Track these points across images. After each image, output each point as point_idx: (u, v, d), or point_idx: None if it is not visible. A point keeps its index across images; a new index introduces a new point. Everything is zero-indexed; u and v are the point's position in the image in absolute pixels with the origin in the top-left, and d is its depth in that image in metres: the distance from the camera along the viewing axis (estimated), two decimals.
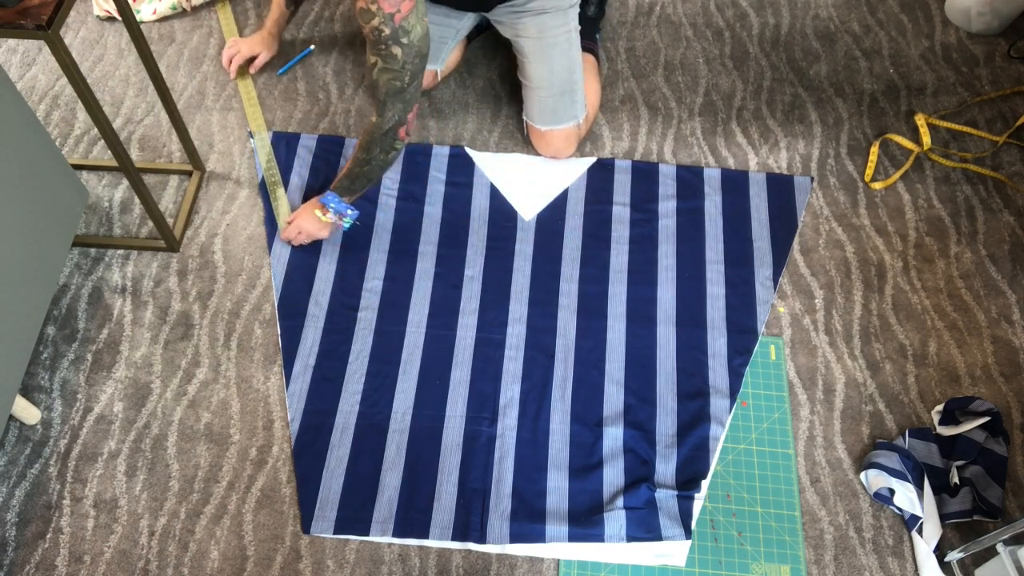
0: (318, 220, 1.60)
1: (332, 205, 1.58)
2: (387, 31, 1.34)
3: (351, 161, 1.56)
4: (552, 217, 1.70)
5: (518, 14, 1.67)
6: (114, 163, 1.77)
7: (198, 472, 1.42)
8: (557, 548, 1.34)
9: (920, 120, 1.83)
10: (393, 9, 1.32)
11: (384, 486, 1.39)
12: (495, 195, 1.73)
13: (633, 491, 1.37)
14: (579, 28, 1.70)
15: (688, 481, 1.39)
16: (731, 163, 1.79)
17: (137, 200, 1.74)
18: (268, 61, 1.92)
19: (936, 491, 1.38)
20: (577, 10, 1.69)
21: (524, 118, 1.77)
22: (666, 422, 1.46)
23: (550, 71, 1.67)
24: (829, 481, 1.41)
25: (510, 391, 1.49)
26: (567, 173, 1.77)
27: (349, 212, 1.59)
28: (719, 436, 1.44)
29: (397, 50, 1.36)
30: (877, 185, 1.75)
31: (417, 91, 1.45)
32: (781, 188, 1.75)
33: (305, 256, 1.64)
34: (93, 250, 1.67)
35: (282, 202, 1.72)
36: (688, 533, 1.35)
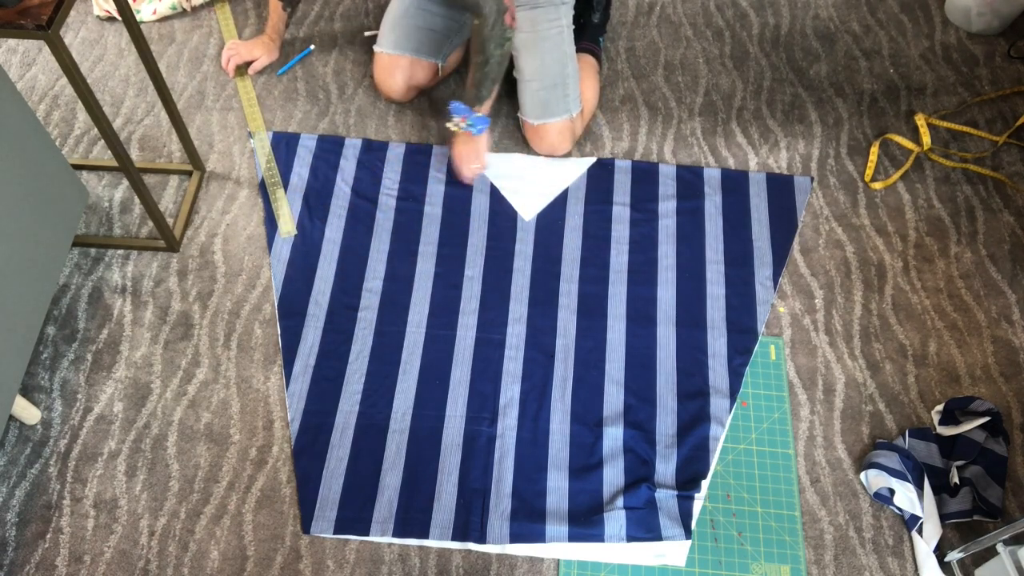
0: (461, 135, 1.67)
1: (454, 110, 1.63)
2: None
3: (471, 70, 1.59)
4: (552, 217, 1.70)
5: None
6: (114, 163, 1.77)
7: (198, 472, 1.42)
8: (557, 548, 1.34)
9: (920, 120, 1.83)
10: None
11: (384, 486, 1.39)
12: (495, 195, 1.73)
13: (633, 491, 1.37)
14: (572, 26, 1.72)
15: (688, 481, 1.39)
16: (731, 163, 1.79)
17: (137, 200, 1.74)
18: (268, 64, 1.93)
19: (936, 491, 1.38)
20: (571, 8, 1.71)
21: (519, 115, 1.78)
22: (666, 422, 1.46)
23: (540, 63, 1.69)
24: (829, 481, 1.41)
25: (510, 391, 1.49)
26: (567, 173, 1.77)
27: (474, 115, 1.63)
28: (719, 436, 1.44)
29: None
30: (877, 185, 1.75)
31: None
32: (781, 188, 1.75)
33: (305, 256, 1.65)
34: (93, 250, 1.67)
35: (282, 203, 1.72)
36: (688, 533, 1.35)
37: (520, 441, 1.44)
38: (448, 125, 1.67)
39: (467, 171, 1.70)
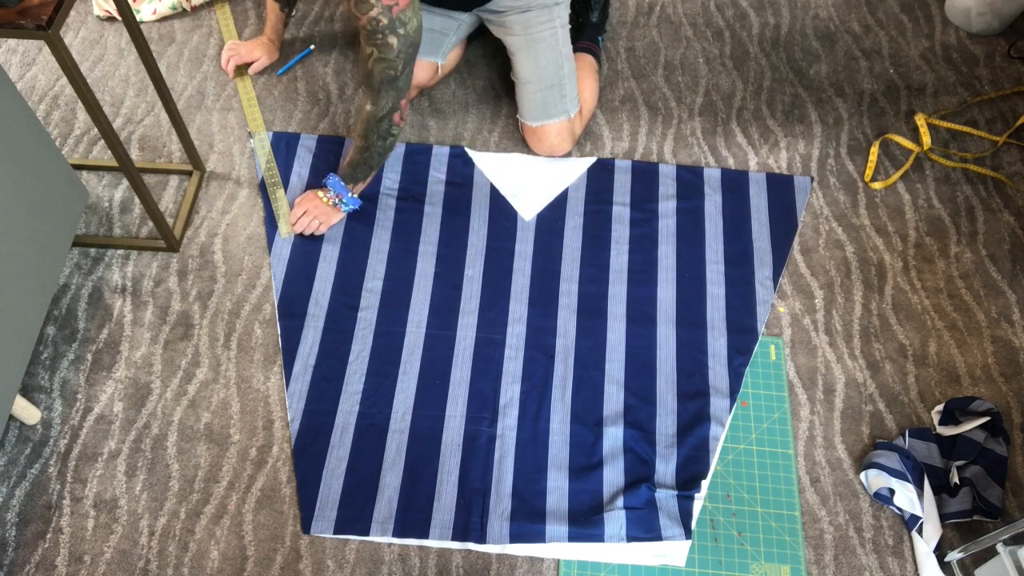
0: (321, 201, 1.65)
1: (331, 185, 1.62)
2: (384, 21, 1.39)
3: (351, 151, 1.60)
4: (552, 217, 1.70)
5: (500, 13, 1.69)
6: (114, 163, 1.77)
7: (198, 472, 1.42)
8: (557, 548, 1.34)
9: (920, 120, 1.83)
10: (391, 1, 1.37)
11: (384, 486, 1.39)
12: (495, 195, 1.73)
13: (633, 491, 1.37)
14: (568, 26, 1.72)
15: (688, 481, 1.39)
16: (731, 163, 1.79)
17: (137, 200, 1.74)
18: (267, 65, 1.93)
19: (936, 491, 1.38)
20: (566, 8, 1.70)
21: (518, 118, 1.78)
22: (666, 422, 1.46)
23: (536, 65, 1.69)
24: (829, 481, 1.41)
25: (510, 391, 1.49)
26: (567, 173, 1.77)
27: (348, 196, 1.63)
28: (719, 436, 1.44)
29: (393, 40, 1.41)
30: (877, 185, 1.75)
31: (409, 79, 1.50)
32: (781, 188, 1.75)
33: (305, 256, 1.65)
34: (93, 250, 1.67)
35: (282, 203, 1.72)
36: (688, 533, 1.35)
37: (520, 441, 1.44)
38: (319, 193, 1.65)
39: (308, 228, 1.65)
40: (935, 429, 1.44)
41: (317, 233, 1.66)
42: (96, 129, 1.69)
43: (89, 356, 1.54)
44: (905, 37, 2.02)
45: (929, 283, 1.62)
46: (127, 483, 1.41)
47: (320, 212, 1.65)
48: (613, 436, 1.44)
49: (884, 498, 1.37)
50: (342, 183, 1.63)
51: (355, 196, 1.65)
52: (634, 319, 1.57)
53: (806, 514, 1.38)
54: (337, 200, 1.64)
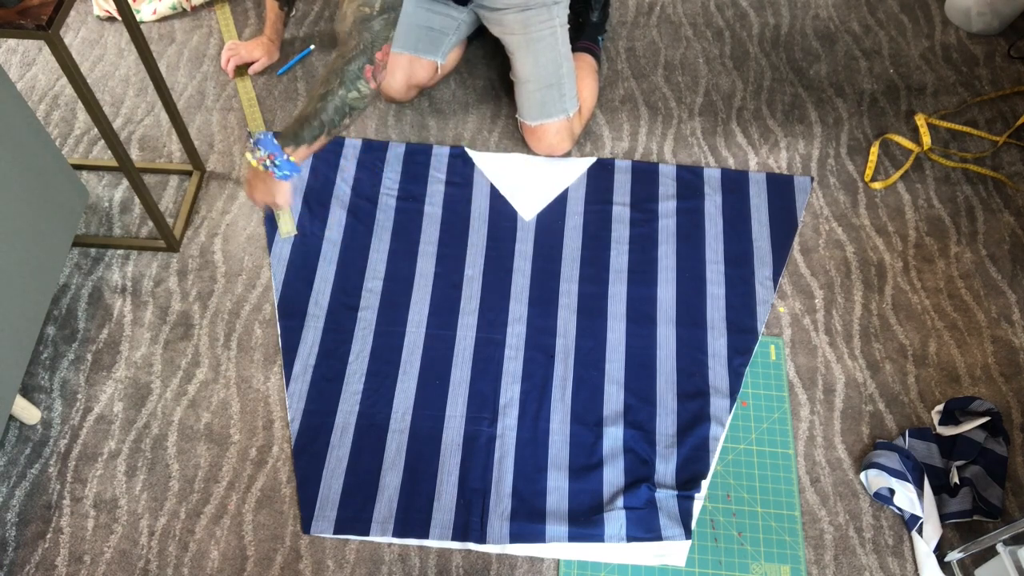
0: (251, 167, 1.42)
1: (262, 143, 1.37)
2: None
3: (305, 102, 1.38)
4: (552, 217, 1.70)
5: (499, 12, 1.69)
6: (114, 163, 1.77)
7: (198, 472, 1.42)
8: (557, 548, 1.34)
9: (920, 120, 1.83)
10: None
11: (384, 486, 1.39)
12: (495, 195, 1.73)
13: (633, 491, 1.37)
14: (568, 25, 1.72)
15: (688, 481, 1.39)
16: (731, 163, 1.79)
17: (137, 200, 1.74)
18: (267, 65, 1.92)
19: (936, 491, 1.38)
20: (565, 7, 1.70)
21: (517, 117, 1.78)
22: (666, 422, 1.46)
23: (535, 64, 1.68)
24: (829, 481, 1.41)
25: (510, 391, 1.49)
26: (567, 173, 1.77)
27: (283, 158, 1.38)
28: (719, 436, 1.44)
29: None
30: (877, 185, 1.75)
31: (385, 28, 1.34)
32: (781, 188, 1.75)
33: (305, 256, 1.65)
34: (93, 250, 1.67)
35: None
36: (688, 533, 1.35)
37: (520, 441, 1.44)
38: (247, 156, 1.41)
39: (258, 202, 1.49)
40: (935, 429, 1.44)
41: (269, 208, 1.48)
42: (96, 129, 1.69)
43: (89, 356, 1.54)
44: (905, 37, 2.02)
45: (929, 283, 1.62)
46: (127, 483, 1.41)
47: (251, 178, 1.43)
48: (613, 436, 1.44)
49: (884, 498, 1.37)
50: (275, 141, 1.37)
51: (292, 161, 1.38)
52: (634, 319, 1.57)
53: (806, 514, 1.38)
54: (268, 162, 1.38)
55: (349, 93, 1.35)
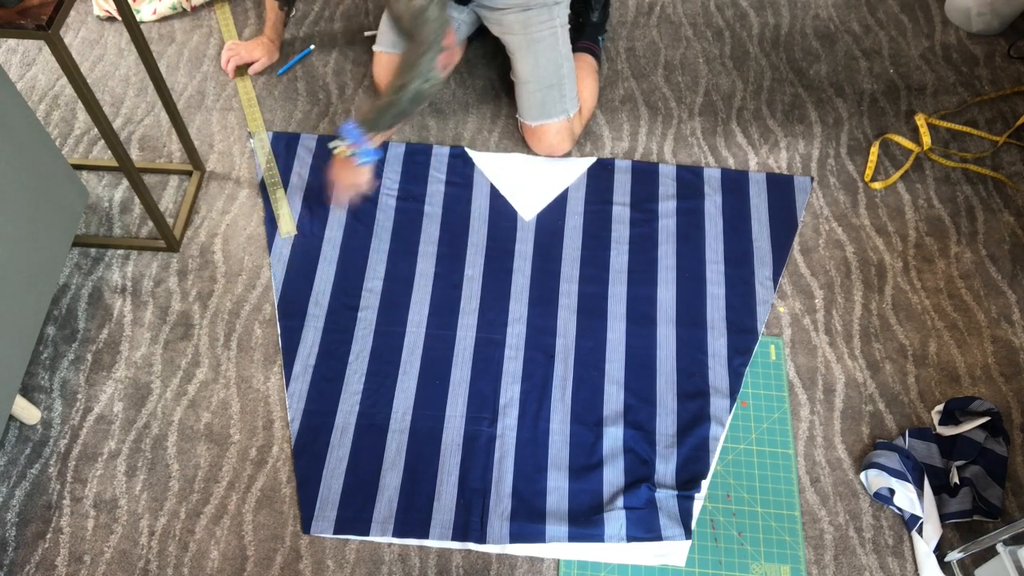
0: (340, 160, 1.55)
1: (351, 136, 1.51)
2: None
3: (384, 92, 1.49)
4: (552, 217, 1.70)
5: (500, 11, 1.69)
6: (114, 163, 1.77)
7: (198, 472, 1.42)
8: (557, 548, 1.34)
9: (920, 120, 1.83)
10: None
11: (384, 486, 1.39)
12: (495, 195, 1.73)
13: (633, 491, 1.37)
14: (568, 25, 1.72)
15: (688, 481, 1.39)
16: (731, 163, 1.79)
17: (137, 200, 1.74)
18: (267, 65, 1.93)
19: (936, 491, 1.38)
20: (565, 8, 1.70)
21: (517, 117, 1.78)
22: (666, 422, 1.46)
23: (536, 64, 1.68)
24: (829, 481, 1.41)
25: (510, 391, 1.49)
26: (567, 173, 1.77)
27: (364, 146, 1.52)
28: (719, 436, 1.44)
29: None
30: (877, 185, 1.75)
31: (440, 13, 1.42)
32: (781, 188, 1.75)
33: (305, 256, 1.65)
34: (93, 250, 1.67)
35: (282, 203, 1.72)
36: (688, 533, 1.35)
37: (520, 441, 1.44)
38: (331, 145, 1.56)
39: (343, 196, 1.64)
40: (935, 429, 1.44)
41: (351, 194, 1.61)
42: (96, 129, 1.69)
43: (89, 356, 1.54)
44: (905, 37, 2.02)
45: (929, 283, 1.62)
46: (127, 483, 1.41)
47: (340, 171, 1.56)
48: (613, 436, 1.44)
49: (884, 498, 1.37)
50: (357, 131, 1.51)
51: (374, 148, 1.54)
52: (634, 319, 1.57)
53: (806, 514, 1.38)
54: (348, 150, 1.52)
55: (424, 84, 1.47)
